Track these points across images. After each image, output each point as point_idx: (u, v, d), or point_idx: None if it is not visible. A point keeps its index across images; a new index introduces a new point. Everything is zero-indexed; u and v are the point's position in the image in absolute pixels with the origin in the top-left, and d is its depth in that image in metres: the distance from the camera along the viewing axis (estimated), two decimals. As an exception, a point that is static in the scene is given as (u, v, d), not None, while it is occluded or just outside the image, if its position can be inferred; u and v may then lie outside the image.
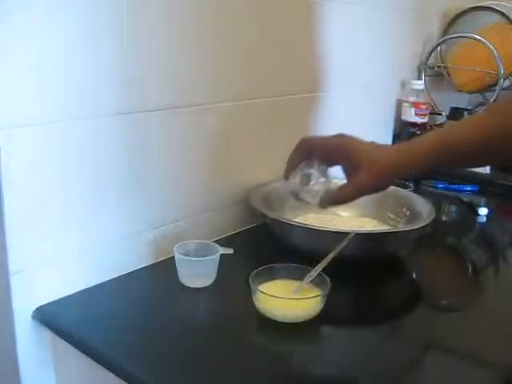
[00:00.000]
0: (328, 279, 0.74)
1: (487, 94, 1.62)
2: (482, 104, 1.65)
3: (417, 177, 0.73)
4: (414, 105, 1.41)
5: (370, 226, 1.03)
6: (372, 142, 0.73)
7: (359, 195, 0.72)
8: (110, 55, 0.75)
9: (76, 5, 0.70)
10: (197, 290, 0.81)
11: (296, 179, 0.74)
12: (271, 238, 0.94)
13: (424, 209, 0.97)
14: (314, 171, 0.73)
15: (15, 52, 0.65)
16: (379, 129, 1.46)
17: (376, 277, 0.88)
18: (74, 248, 0.78)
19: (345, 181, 0.73)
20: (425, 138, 0.73)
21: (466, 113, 1.53)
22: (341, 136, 0.73)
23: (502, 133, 0.69)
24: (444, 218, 1.24)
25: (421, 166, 0.71)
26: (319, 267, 0.76)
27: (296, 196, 0.75)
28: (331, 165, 0.74)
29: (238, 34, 0.94)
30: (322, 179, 0.73)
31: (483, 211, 1.20)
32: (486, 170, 1.43)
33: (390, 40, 1.39)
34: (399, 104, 1.47)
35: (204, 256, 0.80)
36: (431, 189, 1.39)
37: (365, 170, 0.69)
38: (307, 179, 0.73)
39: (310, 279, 0.76)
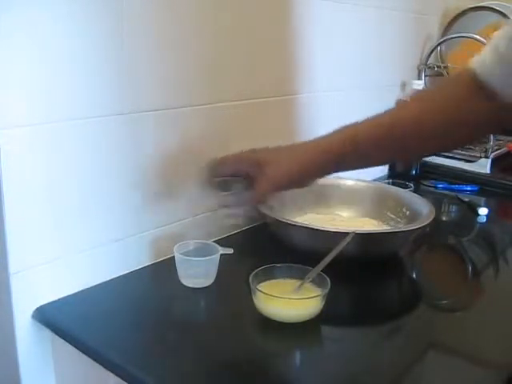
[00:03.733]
0: (328, 279, 0.74)
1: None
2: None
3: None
4: (414, 105, 1.41)
5: (370, 226, 1.03)
6: (278, 149, 0.77)
7: (263, 198, 0.76)
8: (109, 55, 0.75)
9: (76, 5, 0.70)
10: (197, 289, 0.81)
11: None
12: (271, 237, 0.94)
13: (424, 209, 0.97)
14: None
15: (15, 52, 0.65)
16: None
17: (376, 277, 0.88)
18: (74, 248, 0.78)
19: None
20: (325, 143, 0.76)
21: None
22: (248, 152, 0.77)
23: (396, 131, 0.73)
24: (444, 218, 1.24)
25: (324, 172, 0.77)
26: (319, 267, 0.76)
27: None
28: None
29: (236, 36, 0.94)
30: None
31: (483, 211, 1.20)
32: (486, 169, 1.43)
33: (390, 40, 1.39)
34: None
35: (204, 256, 0.80)
36: (431, 189, 1.39)
37: (264, 179, 0.74)
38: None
39: (310, 279, 0.76)
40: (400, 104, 0.76)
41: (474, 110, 0.71)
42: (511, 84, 0.66)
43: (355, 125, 0.75)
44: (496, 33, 0.70)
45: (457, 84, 0.74)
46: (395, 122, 0.74)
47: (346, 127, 0.75)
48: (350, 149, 0.73)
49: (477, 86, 0.70)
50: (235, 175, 0.78)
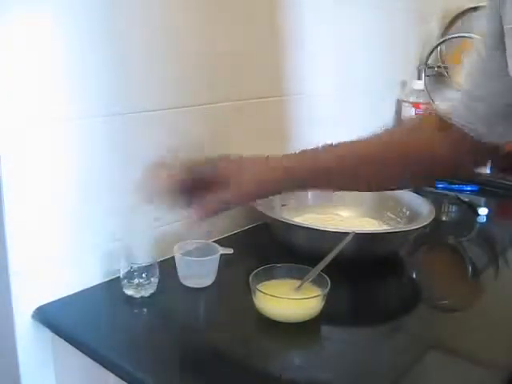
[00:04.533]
0: (328, 279, 0.74)
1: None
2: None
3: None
4: (414, 105, 1.41)
5: (370, 226, 1.03)
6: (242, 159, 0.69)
7: (221, 209, 0.67)
8: (107, 56, 0.75)
9: (74, 5, 0.70)
10: (197, 289, 0.81)
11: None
12: (271, 238, 0.94)
13: (424, 209, 0.97)
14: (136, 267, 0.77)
15: (14, 53, 0.65)
16: (379, 129, 1.46)
17: (376, 277, 0.88)
18: (74, 248, 0.78)
19: None
20: (294, 157, 0.70)
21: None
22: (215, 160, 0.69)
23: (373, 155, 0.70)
24: (444, 218, 1.24)
25: (285, 186, 0.70)
26: (319, 267, 0.76)
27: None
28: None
29: (232, 35, 0.94)
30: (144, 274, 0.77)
31: (483, 211, 1.20)
32: (486, 169, 1.43)
33: (390, 40, 1.39)
34: (399, 104, 1.47)
35: (204, 256, 0.80)
36: (431, 189, 1.39)
37: (231, 186, 0.66)
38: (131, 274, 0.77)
39: (310, 279, 0.76)
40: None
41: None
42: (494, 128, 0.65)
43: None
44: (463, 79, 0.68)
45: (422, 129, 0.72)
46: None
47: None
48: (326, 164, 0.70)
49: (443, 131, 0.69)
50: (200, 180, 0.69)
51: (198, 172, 0.68)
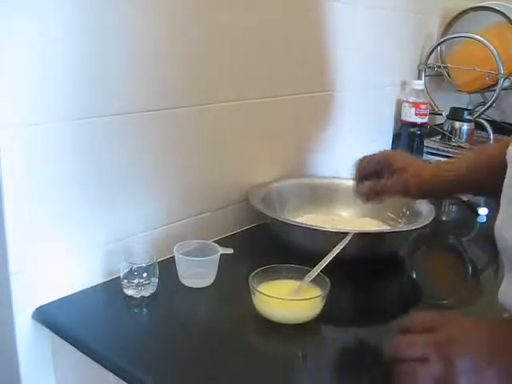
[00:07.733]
0: (328, 279, 0.74)
1: (487, 94, 1.62)
2: (482, 104, 1.65)
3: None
4: (414, 105, 1.41)
5: (370, 225, 1.03)
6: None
7: (397, 193, 0.80)
8: (104, 57, 0.75)
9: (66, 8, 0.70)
10: (197, 290, 0.81)
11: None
12: (271, 237, 0.94)
13: (424, 209, 0.97)
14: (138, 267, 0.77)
15: (13, 53, 0.65)
16: (379, 128, 1.46)
17: (376, 277, 0.88)
18: (74, 248, 0.78)
19: None
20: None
21: (465, 113, 1.53)
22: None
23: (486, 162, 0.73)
24: (444, 218, 1.24)
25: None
26: (319, 267, 0.76)
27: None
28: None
29: (242, 34, 0.94)
30: (145, 274, 0.77)
31: (483, 211, 1.20)
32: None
33: (390, 40, 1.39)
34: (399, 104, 1.47)
35: (204, 256, 0.80)
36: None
37: (410, 174, 0.78)
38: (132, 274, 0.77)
39: (310, 279, 0.76)
40: None
41: None
42: None
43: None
44: None
45: None
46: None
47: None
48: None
49: None
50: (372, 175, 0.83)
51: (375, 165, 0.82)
